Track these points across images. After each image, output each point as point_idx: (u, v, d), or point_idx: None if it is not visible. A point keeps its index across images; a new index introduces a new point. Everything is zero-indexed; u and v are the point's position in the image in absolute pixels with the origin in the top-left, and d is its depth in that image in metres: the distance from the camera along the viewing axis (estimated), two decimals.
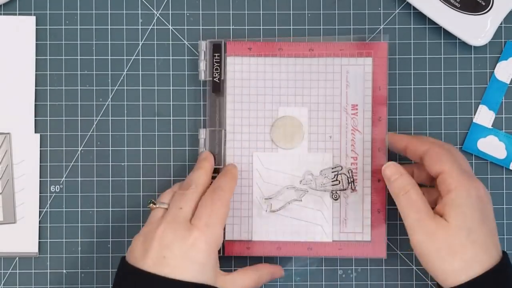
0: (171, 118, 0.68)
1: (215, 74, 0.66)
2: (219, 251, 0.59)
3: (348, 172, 0.66)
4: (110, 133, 0.67)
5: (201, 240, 0.56)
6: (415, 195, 0.58)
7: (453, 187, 0.57)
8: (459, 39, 0.67)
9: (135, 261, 0.57)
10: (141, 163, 0.67)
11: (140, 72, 0.67)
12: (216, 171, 0.65)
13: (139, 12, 0.68)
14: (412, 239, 0.57)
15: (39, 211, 0.67)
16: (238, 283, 0.60)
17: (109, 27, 0.68)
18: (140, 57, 0.67)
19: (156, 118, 0.67)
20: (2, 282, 0.67)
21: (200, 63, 0.66)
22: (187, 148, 0.67)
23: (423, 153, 0.60)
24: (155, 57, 0.67)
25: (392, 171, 0.60)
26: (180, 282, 0.55)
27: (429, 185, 0.64)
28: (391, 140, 0.64)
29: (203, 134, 0.66)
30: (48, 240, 0.67)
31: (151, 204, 0.60)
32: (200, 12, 0.68)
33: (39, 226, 0.67)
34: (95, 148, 0.67)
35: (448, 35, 0.67)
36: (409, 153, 0.62)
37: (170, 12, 0.68)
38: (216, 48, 0.66)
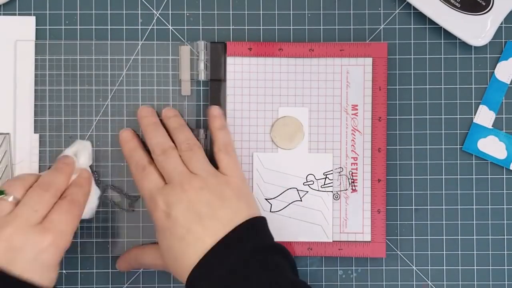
0: None
1: (215, 74, 0.66)
2: None
3: (349, 173, 0.66)
4: (110, 133, 0.67)
5: (54, 246, 0.56)
6: None
7: None
8: (459, 39, 0.67)
9: None
10: None
11: (140, 72, 0.67)
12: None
13: (139, 12, 0.68)
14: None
15: None
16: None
17: (109, 27, 0.68)
18: (140, 57, 0.67)
19: None
20: None
21: (200, 63, 0.66)
22: None
23: None
24: (155, 57, 0.67)
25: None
26: (30, 285, 0.54)
27: None
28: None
29: (202, 134, 0.66)
30: None
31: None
32: (200, 12, 0.68)
33: None
34: (94, 148, 0.67)
35: (448, 35, 0.67)
36: None
37: (170, 12, 0.68)
38: (216, 49, 0.66)
